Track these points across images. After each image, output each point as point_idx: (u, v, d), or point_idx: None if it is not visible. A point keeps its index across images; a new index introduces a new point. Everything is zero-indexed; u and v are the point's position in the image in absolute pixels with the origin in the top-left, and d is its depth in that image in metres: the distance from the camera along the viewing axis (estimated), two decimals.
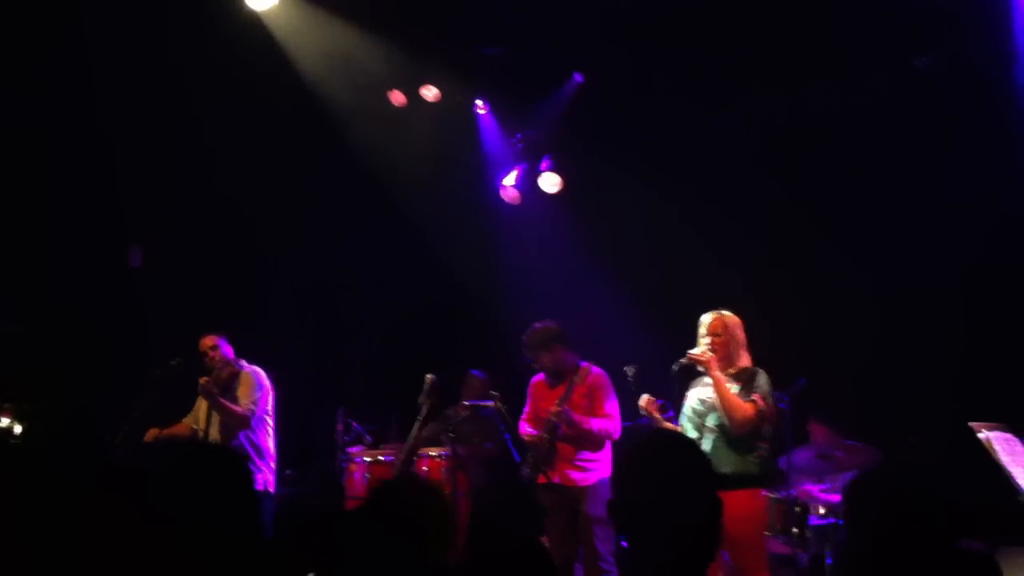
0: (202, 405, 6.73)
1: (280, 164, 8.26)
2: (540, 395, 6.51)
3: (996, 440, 4.80)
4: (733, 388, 5.23)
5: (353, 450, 7.74)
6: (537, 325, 6.42)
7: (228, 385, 6.62)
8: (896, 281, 7.17)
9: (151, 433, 6.65)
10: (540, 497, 6.40)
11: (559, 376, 6.38)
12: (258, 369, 6.75)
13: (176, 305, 8.11)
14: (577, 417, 6.12)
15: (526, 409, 6.60)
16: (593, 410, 6.20)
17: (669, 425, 5.41)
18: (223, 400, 6.48)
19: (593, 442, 6.18)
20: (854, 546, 2.54)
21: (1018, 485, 4.72)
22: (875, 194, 7.31)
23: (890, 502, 2.44)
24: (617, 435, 6.13)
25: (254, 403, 6.59)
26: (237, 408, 6.52)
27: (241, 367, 6.70)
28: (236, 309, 7.66)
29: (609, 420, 6.13)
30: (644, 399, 5.46)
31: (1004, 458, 4.76)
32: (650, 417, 5.44)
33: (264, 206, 8.43)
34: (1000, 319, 6.69)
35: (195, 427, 6.77)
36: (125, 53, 7.45)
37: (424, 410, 7.01)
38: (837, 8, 6.88)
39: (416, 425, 6.97)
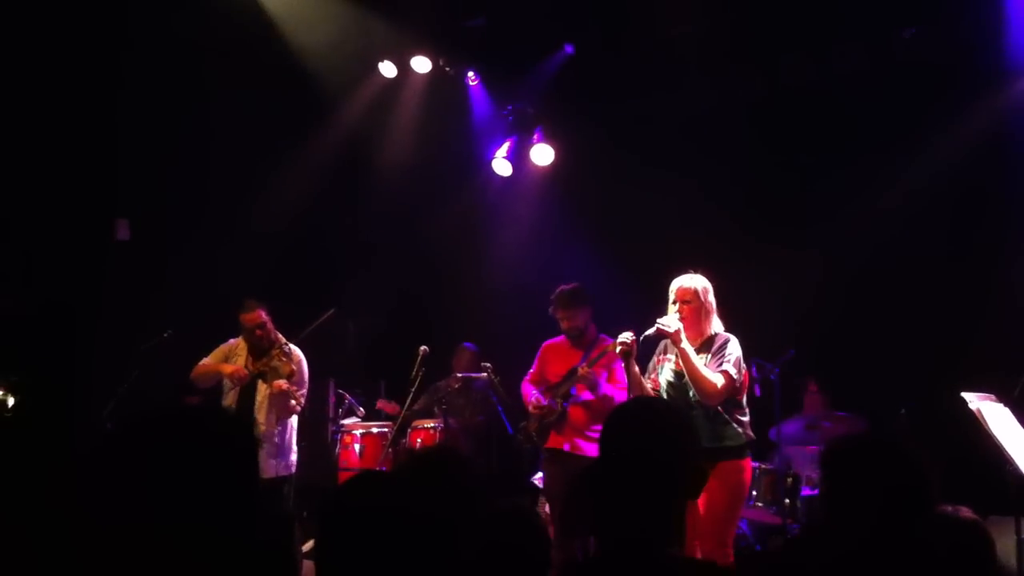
0: (238, 364, 6.41)
1: (269, 136, 8.20)
2: (553, 358, 6.37)
3: (987, 410, 4.83)
4: (703, 358, 5.08)
5: (346, 422, 7.75)
6: (565, 286, 6.25)
7: (287, 374, 6.29)
8: (887, 251, 7.19)
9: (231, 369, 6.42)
10: (547, 465, 6.38)
11: (581, 338, 6.27)
12: (302, 355, 6.47)
13: (163, 279, 8.06)
14: (603, 382, 6.01)
15: (532, 370, 6.47)
16: (608, 378, 6.10)
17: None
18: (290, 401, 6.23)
19: (607, 411, 6.05)
20: (828, 510, 2.56)
21: (1007, 455, 4.75)
22: (863, 164, 7.31)
23: (864, 467, 2.45)
24: None
25: (303, 395, 6.38)
26: (295, 405, 6.29)
27: (291, 351, 6.37)
28: (223, 282, 7.61)
29: (622, 388, 5.96)
30: None
31: (994, 428, 4.79)
32: None
33: (251, 178, 8.38)
34: (989, 290, 6.71)
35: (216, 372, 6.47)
36: (112, 25, 7.37)
37: (416, 382, 7.03)
38: None
39: (409, 397, 6.99)
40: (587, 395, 6.09)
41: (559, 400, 6.18)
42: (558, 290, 6.26)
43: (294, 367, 6.30)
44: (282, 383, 6.20)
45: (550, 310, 6.27)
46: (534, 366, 6.47)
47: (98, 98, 7.72)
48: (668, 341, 5.23)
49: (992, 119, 6.83)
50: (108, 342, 7.64)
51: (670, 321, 5.06)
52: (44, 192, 7.72)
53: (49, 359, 7.37)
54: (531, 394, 6.35)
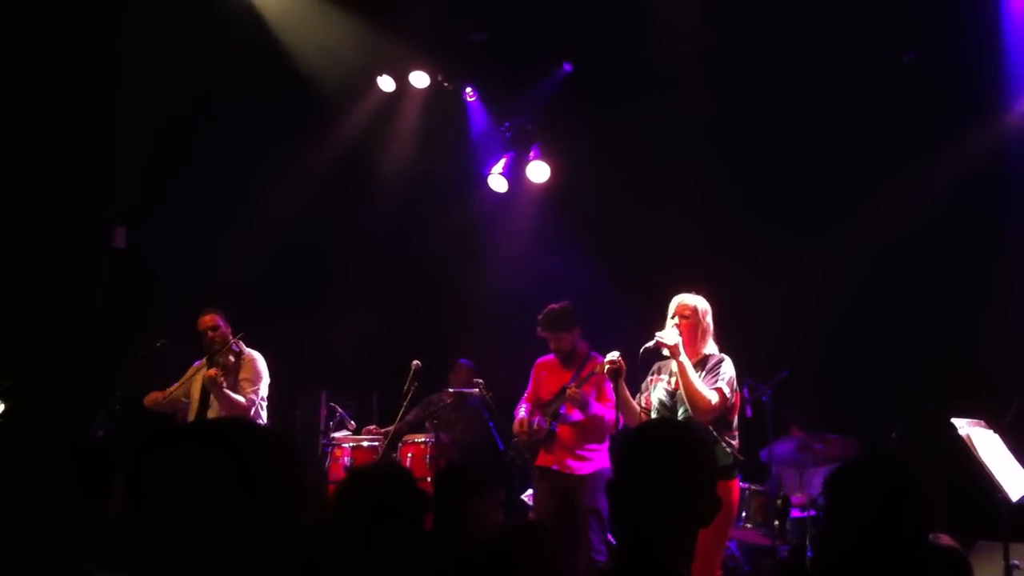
0: (196, 383, 6.52)
1: (267, 146, 8.22)
2: (546, 375, 6.37)
3: (976, 436, 4.85)
4: (697, 375, 5.07)
5: (337, 435, 7.74)
6: (554, 306, 6.26)
7: (229, 368, 6.41)
8: (882, 273, 7.22)
9: (151, 397, 6.58)
10: (536, 483, 6.37)
11: (571, 358, 6.28)
12: (258, 355, 6.57)
13: (160, 286, 8.06)
14: (593, 402, 6.00)
15: (528, 389, 6.46)
16: (598, 397, 6.09)
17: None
18: (228, 392, 6.29)
19: (596, 430, 6.08)
20: (832, 537, 2.57)
21: (996, 481, 4.77)
22: (858, 184, 7.34)
23: (867, 495, 2.46)
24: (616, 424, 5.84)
25: (255, 392, 6.43)
26: (240, 399, 6.33)
27: (242, 350, 6.49)
28: (219, 291, 7.61)
29: (612, 407, 5.91)
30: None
31: (983, 454, 4.81)
32: None
33: (249, 187, 8.39)
34: (982, 313, 6.74)
35: (185, 400, 6.56)
36: (113, 34, 7.40)
37: (408, 396, 7.04)
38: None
39: (401, 411, 6.99)
40: (577, 415, 6.09)
41: (548, 419, 6.18)
42: (545, 311, 6.27)
43: (231, 358, 6.39)
44: (212, 370, 6.27)
45: (537, 331, 6.28)
46: (529, 385, 6.48)
47: (97, 104, 7.73)
48: (663, 363, 5.26)
49: (989, 142, 6.87)
50: (103, 348, 7.62)
51: (669, 335, 5.07)
52: (41, 197, 7.72)
53: (43, 364, 7.36)
54: (518, 413, 6.36)
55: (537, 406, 6.32)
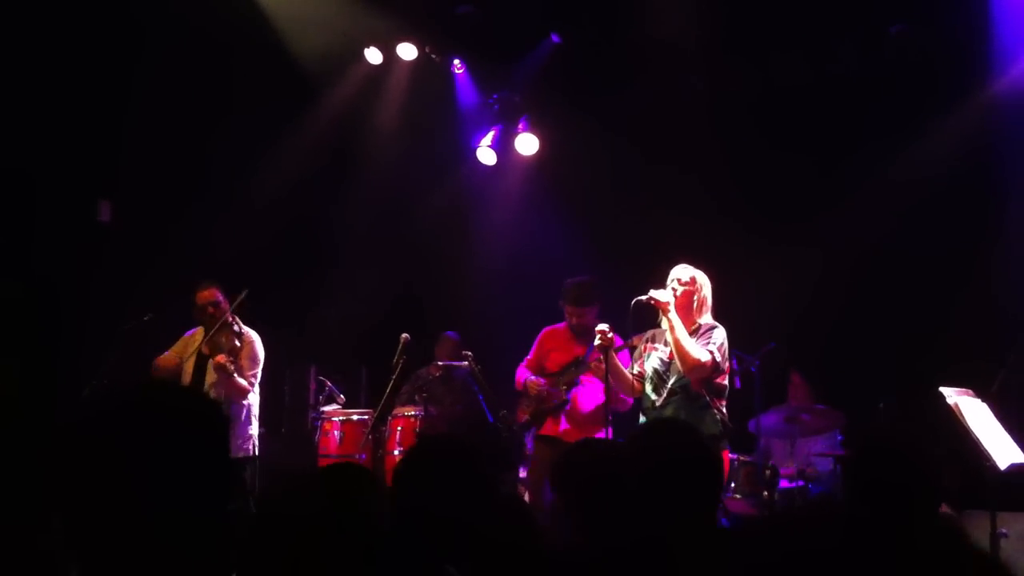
0: (192, 358, 6.47)
1: (253, 121, 8.15)
2: (553, 346, 6.24)
3: (964, 405, 4.86)
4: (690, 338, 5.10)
5: (326, 409, 7.73)
6: (582, 279, 6.09)
7: (234, 352, 6.33)
8: (869, 247, 7.23)
9: (162, 361, 6.54)
10: (538, 450, 6.34)
11: (587, 333, 6.11)
12: (256, 336, 6.50)
13: (145, 261, 8.01)
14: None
15: (529, 356, 6.34)
16: None
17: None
18: (236, 378, 6.21)
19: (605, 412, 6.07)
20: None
21: (984, 450, 4.79)
22: (846, 161, 7.34)
23: (874, 466, 2.47)
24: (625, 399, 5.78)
25: (254, 375, 6.39)
26: (244, 384, 6.29)
27: (242, 330, 6.40)
28: (206, 265, 7.57)
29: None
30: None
31: (971, 423, 4.83)
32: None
33: (235, 162, 8.32)
34: (970, 287, 6.76)
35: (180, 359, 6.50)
36: (97, 4, 7.32)
37: (397, 369, 7.03)
38: None
39: (390, 384, 6.98)
40: (595, 391, 6.00)
41: (563, 388, 6.11)
42: (570, 284, 6.08)
43: (236, 342, 6.33)
44: (221, 357, 6.21)
45: (559, 302, 6.13)
46: (531, 352, 6.36)
47: (80, 75, 7.65)
48: (657, 331, 5.26)
49: (976, 118, 6.86)
50: (93, 324, 7.58)
51: (663, 293, 5.09)
52: (31, 172, 7.64)
53: (32, 341, 7.31)
54: (521, 376, 6.25)
55: (548, 375, 6.23)
